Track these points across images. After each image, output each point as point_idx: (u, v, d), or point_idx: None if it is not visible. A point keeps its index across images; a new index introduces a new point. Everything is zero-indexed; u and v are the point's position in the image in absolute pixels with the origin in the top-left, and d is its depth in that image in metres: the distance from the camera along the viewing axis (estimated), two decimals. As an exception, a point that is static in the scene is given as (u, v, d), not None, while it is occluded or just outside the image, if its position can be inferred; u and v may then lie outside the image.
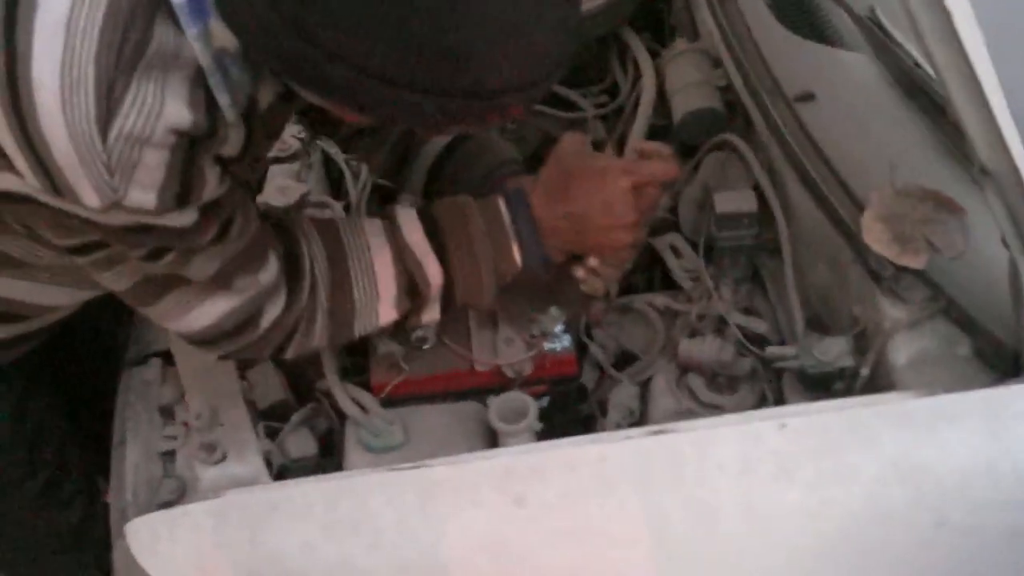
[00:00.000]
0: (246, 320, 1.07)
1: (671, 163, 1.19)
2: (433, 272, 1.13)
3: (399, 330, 1.21)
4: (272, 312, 1.08)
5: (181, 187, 0.88)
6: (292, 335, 1.11)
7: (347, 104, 0.86)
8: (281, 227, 1.11)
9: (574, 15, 0.87)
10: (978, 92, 0.86)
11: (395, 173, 1.37)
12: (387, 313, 1.14)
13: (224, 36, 0.85)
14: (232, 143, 0.94)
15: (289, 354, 1.13)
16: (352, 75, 0.81)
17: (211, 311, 1.05)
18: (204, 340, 1.08)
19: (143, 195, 0.86)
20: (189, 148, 0.87)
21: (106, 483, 1.24)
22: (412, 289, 1.14)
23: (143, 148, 0.83)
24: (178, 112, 0.84)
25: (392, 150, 1.34)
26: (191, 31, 0.83)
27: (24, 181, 0.85)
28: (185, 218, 0.92)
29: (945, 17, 0.82)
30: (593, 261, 1.20)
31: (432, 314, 1.17)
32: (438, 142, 1.32)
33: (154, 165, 0.85)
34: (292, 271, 1.09)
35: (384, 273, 1.12)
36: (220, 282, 1.03)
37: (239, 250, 1.02)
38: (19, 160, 0.83)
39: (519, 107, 0.86)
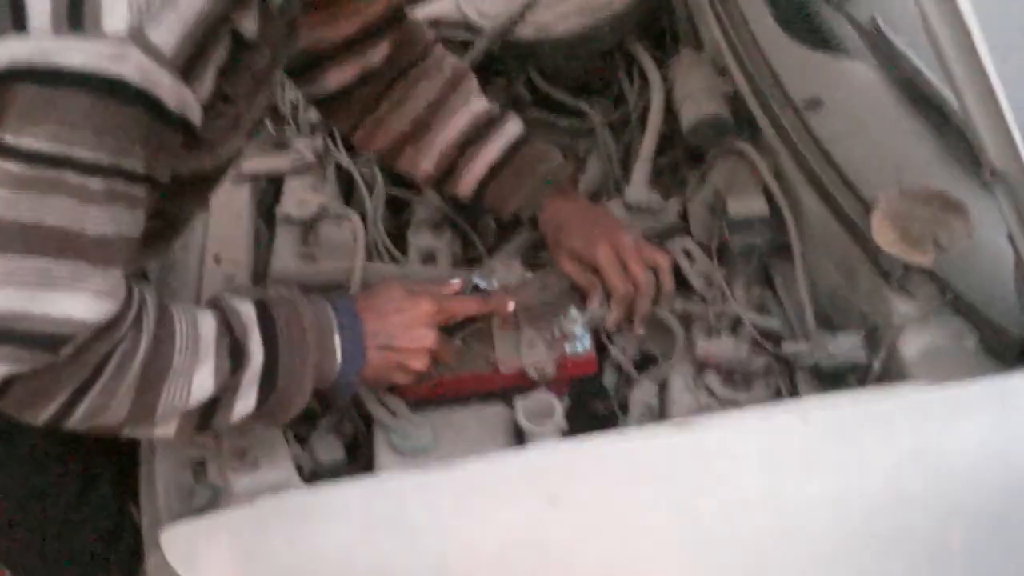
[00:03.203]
0: (46, 328, 0.93)
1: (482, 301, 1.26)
2: (255, 344, 1.08)
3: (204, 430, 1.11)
4: (91, 311, 0.94)
5: (195, 49, 0.90)
6: (96, 376, 0.98)
7: None
8: None
9: None
10: (993, 102, 0.93)
11: (397, 155, 1.42)
12: (204, 381, 1.04)
13: None
14: (250, 22, 0.98)
15: (81, 409, 0.99)
16: None
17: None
18: None
19: (165, 35, 0.87)
20: (219, 14, 0.91)
21: (137, 509, 1.26)
22: (234, 355, 1.06)
23: None
24: None
25: (392, 131, 1.39)
26: None
27: (23, 41, 0.84)
28: (174, 97, 0.91)
29: (965, 34, 0.89)
30: None
31: (248, 401, 1.08)
32: (450, 128, 1.37)
33: (189, 5, 0.88)
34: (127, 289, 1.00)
35: (207, 333, 1.06)
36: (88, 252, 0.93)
37: (123, 234, 0.96)
38: (42, 1, 0.83)
39: None
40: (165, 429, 1.07)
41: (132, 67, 0.86)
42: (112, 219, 0.93)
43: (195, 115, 0.96)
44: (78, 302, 0.93)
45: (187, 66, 0.91)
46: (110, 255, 0.95)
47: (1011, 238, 1.04)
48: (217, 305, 1.11)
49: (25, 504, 1.38)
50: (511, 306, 1.27)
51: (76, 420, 1.00)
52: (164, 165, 0.98)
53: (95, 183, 0.90)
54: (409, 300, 1.20)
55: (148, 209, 0.99)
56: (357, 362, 1.16)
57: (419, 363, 1.19)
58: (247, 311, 1.10)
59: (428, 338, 1.19)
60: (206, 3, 0.90)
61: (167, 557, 1.06)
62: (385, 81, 1.37)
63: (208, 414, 1.07)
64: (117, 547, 1.47)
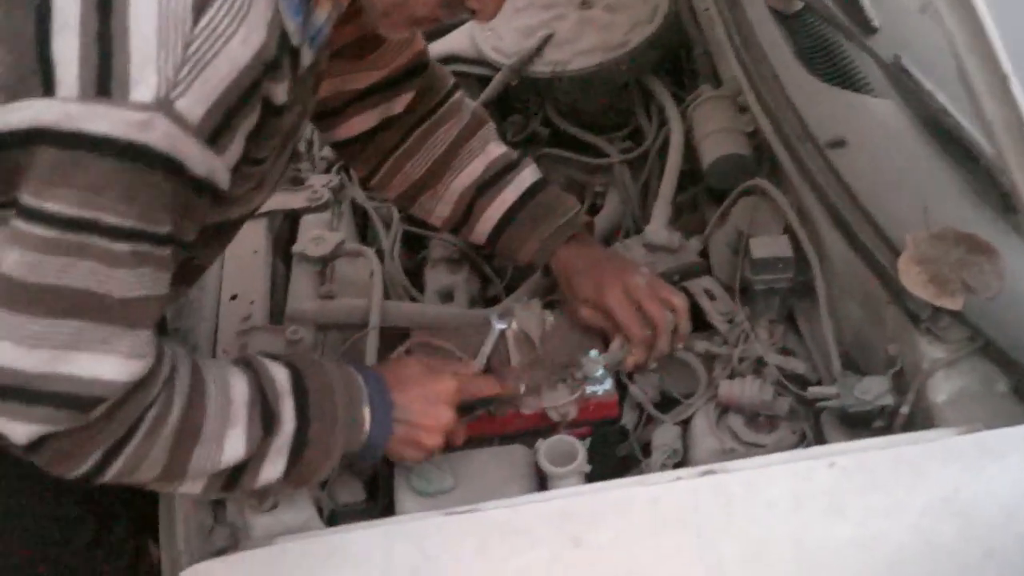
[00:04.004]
0: (76, 389, 0.94)
1: (497, 383, 1.26)
2: (287, 411, 1.09)
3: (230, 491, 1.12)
4: (121, 373, 0.95)
5: (224, 118, 0.91)
6: (129, 437, 0.99)
7: None
8: None
9: None
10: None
11: (413, 200, 1.44)
12: (235, 444, 1.05)
13: None
14: (281, 90, 0.98)
15: (115, 467, 1.00)
16: None
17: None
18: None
19: (193, 104, 0.88)
20: (250, 84, 0.91)
21: (156, 545, 1.26)
22: (265, 421, 1.07)
23: (221, 50, 0.87)
24: (257, 25, 0.90)
25: (407, 176, 1.41)
26: None
27: (48, 104, 0.85)
28: (201, 164, 0.92)
29: (1002, 79, 0.90)
30: None
31: (276, 466, 1.09)
32: (467, 174, 1.40)
33: (219, 78, 0.88)
34: (157, 351, 1.00)
35: (239, 397, 1.06)
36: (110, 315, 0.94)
37: (150, 295, 0.96)
38: (70, 66, 0.84)
39: None
40: (192, 487, 1.08)
41: (158, 135, 0.87)
42: (139, 281, 0.94)
43: (223, 180, 0.97)
44: (107, 364, 0.94)
45: (215, 134, 0.91)
46: (138, 316, 0.96)
47: (1043, 281, 1.05)
48: (250, 367, 1.11)
49: (43, 547, 1.38)
50: (522, 390, 1.28)
51: (109, 478, 1.02)
52: (191, 226, 0.99)
53: (121, 247, 0.91)
54: (432, 377, 1.20)
55: (175, 268, 1.00)
56: (385, 433, 1.16)
57: (432, 441, 1.18)
58: (281, 377, 1.11)
59: (445, 417, 1.19)
60: (237, 74, 0.90)
61: (186, 598, 1.06)
62: (405, 127, 1.40)
63: (235, 476, 1.08)
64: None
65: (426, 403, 1.18)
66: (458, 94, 1.44)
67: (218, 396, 1.05)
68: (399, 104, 1.38)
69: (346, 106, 1.36)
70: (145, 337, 0.97)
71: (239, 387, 1.07)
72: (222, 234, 1.20)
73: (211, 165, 0.94)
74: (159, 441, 1.01)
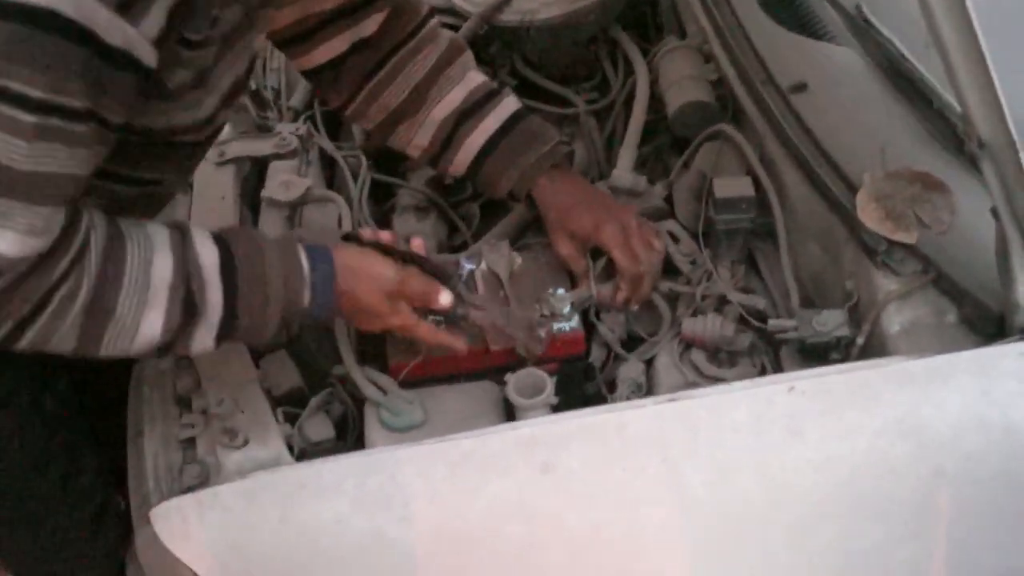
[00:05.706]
0: None
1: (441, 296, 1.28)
2: (214, 298, 1.11)
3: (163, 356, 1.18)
4: (17, 249, 0.95)
5: None
6: (37, 312, 1.01)
7: None
8: None
9: None
10: (984, 71, 0.99)
11: (390, 131, 1.45)
12: (151, 327, 1.08)
13: None
14: None
15: (27, 339, 1.03)
16: None
17: None
18: None
19: None
20: None
21: (121, 496, 1.28)
22: (187, 308, 1.10)
23: None
24: None
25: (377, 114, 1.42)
26: None
27: None
28: (113, 32, 0.91)
29: (960, 6, 0.95)
30: None
31: (204, 343, 1.14)
32: (446, 102, 1.41)
33: None
34: (66, 225, 1.00)
35: (160, 280, 1.07)
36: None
37: (62, 172, 0.96)
38: None
39: None
40: (119, 354, 1.10)
41: (66, 0, 0.87)
42: (48, 155, 0.93)
43: (145, 54, 0.97)
44: (1, 238, 0.94)
45: (127, 1, 0.91)
46: (44, 193, 0.95)
47: (994, 212, 1.11)
48: (181, 244, 1.11)
49: (5, 492, 1.40)
50: (463, 349, 1.31)
51: (24, 347, 1.04)
52: (115, 106, 0.98)
53: (28, 118, 0.90)
54: (387, 304, 1.23)
55: (103, 151, 1.00)
56: (327, 306, 1.20)
57: (383, 311, 1.24)
58: (210, 262, 1.11)
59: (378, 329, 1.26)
60: None
61: (157, 533, 1.09)
62: (379, 53, 1.40)
63: (163, 350, 1.12)
64: (103, 532, 1.49)
65: (368, 319, 1.23)
66: (433, 21, 1.44)
67: (136, 277, 1.06)
68: (369, 26, 1.38)
69: (314, 31, 1.37)
70: (46, 214, 0.97)
71: (162, 269, 1.08)
72: (179, 153, 1.20)
73: (126, 35, 0.93)
74: (69, 318, 1.02)
